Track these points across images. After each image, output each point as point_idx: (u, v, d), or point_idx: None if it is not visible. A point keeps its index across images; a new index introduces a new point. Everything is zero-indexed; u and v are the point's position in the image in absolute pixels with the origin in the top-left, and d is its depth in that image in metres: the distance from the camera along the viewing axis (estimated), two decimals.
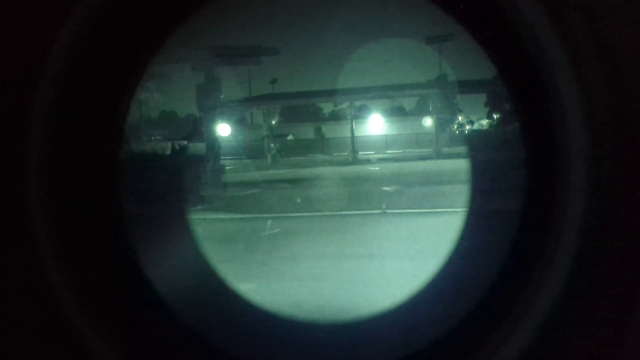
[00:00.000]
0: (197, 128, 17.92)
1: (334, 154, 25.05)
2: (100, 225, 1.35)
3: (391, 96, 28.26)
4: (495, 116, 36.21)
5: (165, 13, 1.40)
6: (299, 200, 12.13)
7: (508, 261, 1.29)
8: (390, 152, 25.62)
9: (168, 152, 14.82)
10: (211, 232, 7.56)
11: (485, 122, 38.12)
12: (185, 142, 16.05)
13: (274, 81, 31.10)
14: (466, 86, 26.45)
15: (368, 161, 22.90)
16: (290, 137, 31.83)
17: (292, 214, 9.77)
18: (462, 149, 24.18)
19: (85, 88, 1.26)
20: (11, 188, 1.17)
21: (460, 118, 36.87)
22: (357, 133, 26.69)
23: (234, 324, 1.67)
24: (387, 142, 27.64)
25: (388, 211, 9.30)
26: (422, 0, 1.39)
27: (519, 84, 1.28)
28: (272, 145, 25.52)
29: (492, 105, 36.26)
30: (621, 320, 1.10)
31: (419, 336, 1.39)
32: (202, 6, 1.42)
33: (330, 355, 1.54)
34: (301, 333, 1.64)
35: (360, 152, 25.34)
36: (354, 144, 25.43)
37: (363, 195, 12.18)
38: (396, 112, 32.67)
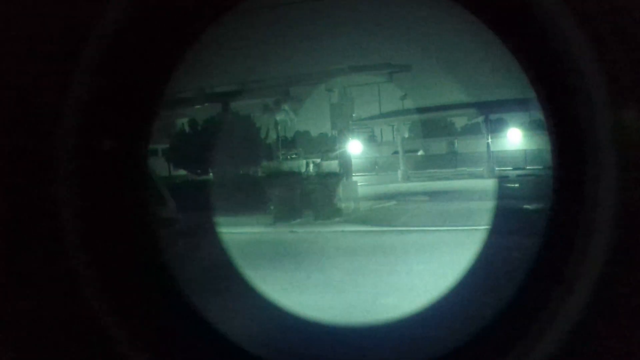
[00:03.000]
0: (330, 145, 18.50)
1: (467, 169, 24.10)
2: (128, 228, 1.35)
3: (529, 109, 26.55)
4: None
5: (199, 9, 1.37)
6: (434, 214, 11.88)
7: (538, 261, 1.25)
8: (531, 168, 23.97)
9: (303, 169, 15.50)
10: (352, 244, 7.69)
11: None
12: (318, 160, 16.64)
13: (404, 97, 31.01)
14: None
15: (506, 177, 21.69)
16: (420, 153, 31.37)
17: (427, 228, 9.62)
18: None
19: (119, 81, 1.24)
20: (42, 191, 1.16)
21: None
22: (493, 148, 25.44)
23: (266, 329, 1.68)
24: (526, 157, 25.93)
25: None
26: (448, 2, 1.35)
27: (548, 87, 1.23)
28: (402, 160, 25.38)
29: None
30: None
31: (448, 339, 1.37)
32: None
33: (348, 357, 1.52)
34: (327, 336, 1.67)
35: (496, 168, 24.10)
36: (490, 159, 24.27)
37: (500, 212, 11.55)
38: (536, 126, 30.56)
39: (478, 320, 1.40)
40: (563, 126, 1.22)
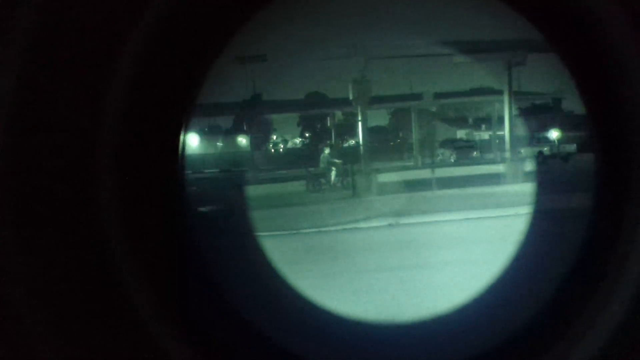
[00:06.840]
0: None
1: None
2: (167, 222, 1.35)
3: (208, 114, 28.08)
4: (307, 134, 38.42)
5: (229, 10, 1.35)
6: None
7: (579, 262, 1.22)
8: (208, 172, 25.35)
9: None
10: None
11: (298, 141, 40.18)
12: None
13: None
14: (281, 106, 27.57)
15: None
16: None
17: None
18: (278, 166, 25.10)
19: (156, 82, 1.24)
20: (83, 188, 1.14)
21: (274, 137, 38.25)
22: None
23: (300, 325, 1.68)
24: (204, 161, 27.31)
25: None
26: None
27: (593, 89, 1.21)
28: None
29: (305, 124, 38.43)
30: None
31: (481, 339, 1.34)
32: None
33: (389, 355, 1.51)
34: (365, 334, 1.63)
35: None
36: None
37: None
38: (213, 131, 32.56)
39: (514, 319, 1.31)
40: (607, 124, 1.16)
